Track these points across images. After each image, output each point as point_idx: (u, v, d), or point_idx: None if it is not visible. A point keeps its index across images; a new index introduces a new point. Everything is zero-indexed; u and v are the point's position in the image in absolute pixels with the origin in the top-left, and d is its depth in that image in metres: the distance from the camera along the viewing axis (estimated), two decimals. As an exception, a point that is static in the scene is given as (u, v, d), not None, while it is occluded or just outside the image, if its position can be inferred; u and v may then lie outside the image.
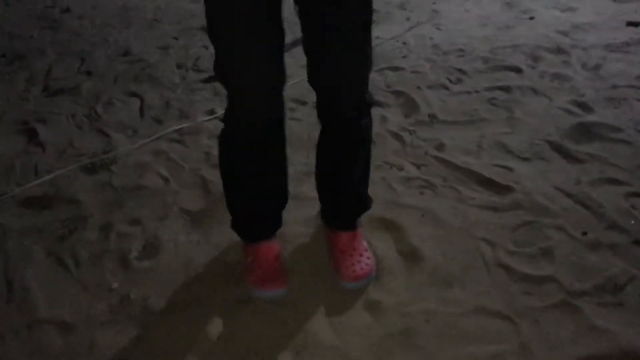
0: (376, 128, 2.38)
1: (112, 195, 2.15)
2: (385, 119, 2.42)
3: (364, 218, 1.92)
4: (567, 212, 1.95)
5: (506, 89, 2.61)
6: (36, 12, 4.21)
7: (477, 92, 2.60)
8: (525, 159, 2.20)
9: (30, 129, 2.58)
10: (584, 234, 1.87)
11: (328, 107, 1.58)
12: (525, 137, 2.31)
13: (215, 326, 1.62)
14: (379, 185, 2.09)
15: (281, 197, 1.75)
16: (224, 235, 1.91)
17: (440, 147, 2.26)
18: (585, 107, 2.48)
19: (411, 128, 2.37)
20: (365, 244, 1.79)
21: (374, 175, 2.13)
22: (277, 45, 1.45)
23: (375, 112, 2.47)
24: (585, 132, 2.33)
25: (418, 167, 2.17)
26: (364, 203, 1.81)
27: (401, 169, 2.17)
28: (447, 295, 1.69)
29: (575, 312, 1.62)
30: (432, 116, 2.44)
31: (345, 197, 1.76)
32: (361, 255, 1.74)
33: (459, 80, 2.70)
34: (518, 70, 2.78)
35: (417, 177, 2.12)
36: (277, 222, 1.79)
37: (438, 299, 1.68)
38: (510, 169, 2.14)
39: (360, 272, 1.70)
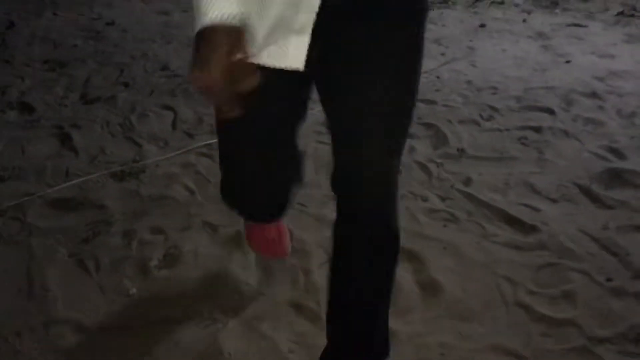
0: (404, 158, 2.39)
1: (138, 203, 2.18)
2: (414, 150, 2.43)
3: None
4: (592, 256, 1.92)
5: (537, 130, 2.60)
6: (81, 24, 4.33)
7: (507, 130, 2.60)
8: (553, 201, 2.17)
9: (65, 133, 2.64)
10: (609, 280, 1.83)
11: (345, 218, 1.25)
12: (554, 178, 2.29)
13: (229, 341, 1.62)
14: (402, 215, 2.07)
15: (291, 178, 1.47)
16: (245, 252, 1.91)
17: (467, 181, 2.25)
18: (617, 153, 2.45)
19: (439, 160, 2.37)
20: None
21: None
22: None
23: (404, 142, 2.50)
24: (616, 177, 2.30)
25: (443, 199, 2.16)
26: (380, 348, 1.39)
27: (426, 200, 2.16)
28: (464, 330, 1.66)
29: (594, 358, 1.58)
30: (461, 150, 2.43)
31: (358, 327, 1.34)
32: None
33: (491, 117, 2.69)
34: (551, 111, 2.76)
35: (441, 210, 2.11)
36: (283, 209, 1.52)
37: (455, 333, 1.65)
38: (536, 209, 2.12)
39: None
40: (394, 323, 1.65)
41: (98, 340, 1.65)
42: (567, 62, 3.44)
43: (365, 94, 1.13)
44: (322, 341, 1.42)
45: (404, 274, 1.84)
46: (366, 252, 1.26)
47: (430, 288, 1.79)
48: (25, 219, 2.10)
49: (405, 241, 1.93)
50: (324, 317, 1.42)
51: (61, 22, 4.37)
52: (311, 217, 2.09)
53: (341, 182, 1.22)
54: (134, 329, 1.67)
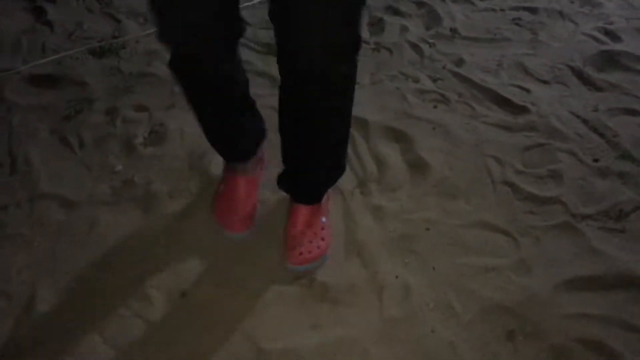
0: (395, 37, 2.32)
1: (119, 80, 2.10)
2: (405, 29, 2.34)
3: (373, 128, 1.90)
4: (580, 137, 1.91)
5: (533, 11, 2.51)
6: None
7: (502, 10, 2.50)
8: (545, 82, 2.13)
9: (38, 7, 2.49)
10: (595, 160, 1.84)
11: (291, 56, 1.20)
12: (546, 60, 2.24)
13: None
14: (392, 95, 2.04)
15: (254, 134, 1.55)
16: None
17: (459, 62, 2.20)
18: (612, 35, 2.39)
19: (431, 40, 2.30)
20: (324, 220, 1.55)
21: (388, 85, 2.09)
22: None
23: (395, 21, 2.41)
24: (609, 60, 2.25)
25: (434, 80, 2.12)
26: (334, 175, 1.53)
27: (417, 80, 2.11)
28: (450, 206, 1.68)
29: (576, 234, 1.62)
30: (454, 30, 2.35)
31: (310, 169, 1.47)
32: (315, 234, 1.51)
33: (485, -3, 2.59)
34: (547, -8, 2.66)
35: (432, 91, 2.07)
36: (249, 148, 1.56)
37: (440, 209, 1.67)
38: (527, 91, 2.08)
39: (308, 255, 1.48)
40: (381, 199, 1.68)
41: (85, 214, 1.64)
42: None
43: None
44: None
45: (392, 153, 1.83)
46: (313, 88, 1.23)
47: (417, 166, 1.79)
48: (3, 95, 2.03)
49: (394, 121, 1.94)
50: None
51: None
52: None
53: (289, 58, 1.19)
54: (122, 203, 1.67)
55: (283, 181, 1.55)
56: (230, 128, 1.47)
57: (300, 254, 1.48)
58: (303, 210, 1.52)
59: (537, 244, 1.60)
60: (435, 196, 1.71)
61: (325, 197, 1.58)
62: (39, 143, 1.86)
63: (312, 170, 1.48)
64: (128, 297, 1.45)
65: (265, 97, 1.77)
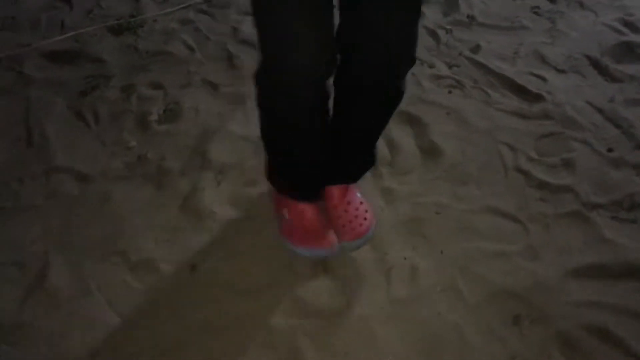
0: (411, 23, 2.31)
1: (136, 58, 2.12)
2: (422, 15, 2.32)
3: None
4: (595, 127, 1.90)
5: (552, 0, 2.49)
6: None
7: (521, -1, 2.49)
8: (561, 71, 2.12)
9: (59, -15, 2.51)
10: (610, 150, 1.83)
11: (361, 71, 1.25)
12: (564, 49, 2.22)
13: (227, 191, 1.64)
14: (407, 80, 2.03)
15: (324, 170, 1.51)
16: (246, 111, 1.89)
17: (476, 49, 2.19)
18: (632, 26, 2.36)
19: (448, 27, 2.28)
20: (359, 194, 1.58)
21: (403, 69, 2.08)
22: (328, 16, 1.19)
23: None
24: (627, 51, 2.23)
25: (450, 66, 2.11)
26: (372, 161, 1.56)
27: (432, 66, 2.10)
28: (461, 191, 1.68)
29: (587, 222, 1.61)
30: (472, 17, 2.34)
31: (356, 156, 1.52)
32: (357, 209, 1.54)
33: (505, -15, 2.57)
34: (567, -19, 2.63)
35: (447, 76, 2.06)
36: (320, 183, 1.55)
37: (451, 194, 1.67)
38: (544, 79, 2.07)
39: (360, 229, 1.51)
40: (392, 182, 1.69)
41: (98, 188, 1.66)
42: None
43: None
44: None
45: (405, 137, 1.83)
46: (374, 101, 1.34)
47: (430, 151, 1.79)
48: (22, 69, 2.05)
49: (408, 106, 1.94)
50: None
51: None
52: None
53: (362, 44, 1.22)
54: (135, 178, 1.69)
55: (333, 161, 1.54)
56: (317, 167, 1.46)
57: (352, 229, 1.51)
58: (337, 190, 1.54)
59: (546, 231, 1.59)
60: (447, 181, 1.71)
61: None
62: (55, 117, 1.88)
63: (350, 161, 1.52)
64: (139, 270, 1.47)
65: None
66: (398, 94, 1.35)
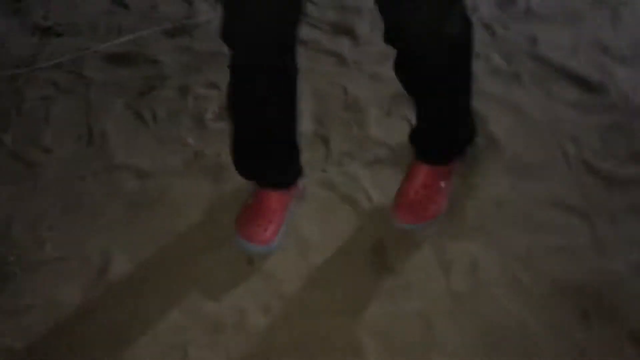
0: (466, 16, 2.26)
1: (191, 59, 2.15)
2: (477, 8, 2.28)
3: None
4: (664, 118, 1.82)
5: (614, -11, 2.40)
6: None
7: (580, -11, 2.40)
8: (626, 61, 2.03)
9: (116, -10, 2.58)
10: (680, 141, 1.74)
11: (396, 36, 1.24)
12: (628, 39, 2.13)
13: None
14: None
15: (291, 142, 1.47)
16: (300, 107, 1.89)
17: (534, 41, 2.12)
18: (701, 14, 2.25)
19: (504, 20, 2.23)
20: (443, 185, 1.53)
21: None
22: None
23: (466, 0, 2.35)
24: (697, 39, 2.12)
25: (507, 59, 2.05)
26: (462, 139, 1.53)
27: (489, 60, 2.05)
28: (523, 184, 1.63)
29: (658, 216, 1.54)
30: (528, 9, 2.27)
31: (439, 129, 1.48)
32: (429, 198, 1.51)
33: (562, -24, 2.49)
34: (630, -30, 2.53)
35: (505, 70, 2.01)
36: (286, 173, 1.52)
37: (513, 187, 1.63)
38: (607, 70, 1.99)
39: (417, 215, 1.49)
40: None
41: (158, 184, 1.69)
42: None
43: None
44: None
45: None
46: (430, 68, 1.30)
47: (488, 144, 1.74)
48: (82, 72, 2.11)
49: (465, 98, 1.88)
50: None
51: None
52: (366, 74, 2.02)
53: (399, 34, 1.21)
54: (192, 174, 1.71)
55: (415, 137, 1.54)
56: (274, 149, 1.46)
57: (410, 212, 1.49)
58: (424, 170, 1.51)
59: (614, 225, 1.53)
60: (508, 174, 1.66)
61: (451, 164, 1.55)
62: (115, 117, 1.92)
63: (441, 131, 1.48)
64: (197, 265, 1.48)
65: (334, 75, 1.78)
66: (454, 38, 1.24)
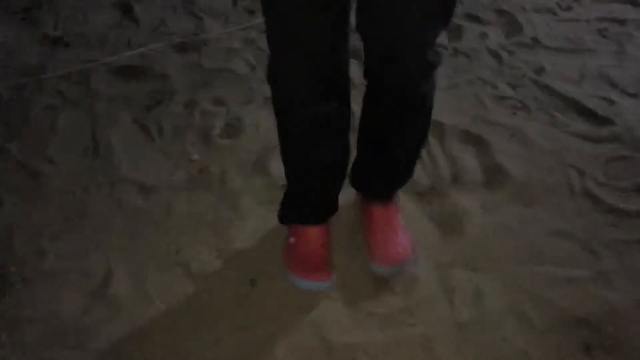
0: (473, 44, 2.29)
1: (199, 75, 2.15)
2: (485, 35, 2.30)
3: (449, 131, 1.87)
4: (668, 152, 1.82)
5: (620, 22, 2.41)
6: None
7: (587, 21, 2.42)
8: (631, 95, 2.04)
9: (126, 4, 2.58)
10: (684, 176, 1.75)
11: (379, 64, 1.22)
12: (633, 72, 2.15)
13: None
14: (469, 100, 2.00)
15: (340, 173, 1.45)
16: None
17: (540, 71, 2.14)
18: None
19: (511, 48, 2.25)
20: (402, 220, 1.52)
21: (466, 90, 2.06)
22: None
23: (474, 27, 2.38)
24: (701, 75, 2.14)
25: (513, 87, 2.06)
26: (406, 176, 1.50)
27: (495, 87, 2.06)
28: (527, 214, 1.63)
29: (662, 250, 1.54)
30: (535, 39, 2.29)
31: (388, 164, 1.45)
32: (397, 236, 1.48)
33: (569, 8, 2.51)
34: (636, 3, 2.56)
35: (511, 97, 2.02)
36: (332, 205, 1.50)
37: (517, 216, 1.62)
38: (612, 102, 2.00)
39: (397, 257, 1.46)
40: (455, 202, 1.65)
41: (162, 199, 1.68)
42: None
43: None
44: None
45: (468, 157, 1.80)
46: (400, 114, 1.30)
47: (494, 172, 1.74)
48: (90, 84, 2.11)
49: (471, 126, 1.91)
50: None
51: None
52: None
53: (379, 60, 1.20)
54: (197, 190, 1.70)
55: (357, 178, 1.53)
56: (330, 179, 1.44)
57: (388, 255, 1.45)
58: (379, 210, 1.50)
59: (619, 257, 1.52)
60: (512, 202, 1.66)
61: (395, 199, 1.55)
62: (121, 130, 1.92)
63: (389, 166, 1.45)
64: (199, 282, 1.47)
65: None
66: (420, 101, 1.28)
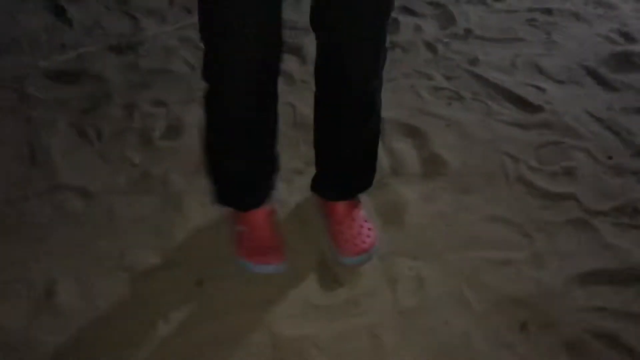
0: (409, 36, 2.35)
1: (137, 76, 2.14)
2: (420, 29, 2.36)
3: (388, 125, 1.91)
4: (594, 135, 1.92)
5: (548, 12, 2.53)
6: None
7: (517, 11, 2.52)
8: (559, 82, 2.15)
9: (59, 6, 2.54)
10: (609, 158, 1.85)
11: (331, 62, 1.32)
12: (561, 60, 2.25)
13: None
14: (406, 93, 2.06)
15: (274, 159, 1.51)
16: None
17: (474, 61, 2.21)
18: (627, 37, 2.40)
19: (446, 40, 2.32)
20: (364, 213, 1.59)
21: (403, 82, 2.11)
22: None
23: (409, 20, 2.44)
24: (624, 61, 2.26)
25: (448, 78, 2.14)
26: (365, 180, 1.58)
27: (431, 78, 2.13)
28: (464, 201, 1.70)
29: (590, 229, 1.63)
30: (468, 31, 2.37)
31: (345, 165, 1.52)
32: (361, 226, 1.55)
33: (500, -1, 2.61)
34: (562, -7, 2.68)
35: (446, 88, 2.09)
36: (270, 186, 1.54)
37: (455, 204, 1.69)
38: (542, 90, 2.10)
39: (363, 245, 1.51)
40: (395, 193, 1.70)
41: (103, 204, 1.67)
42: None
43: None
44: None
45: (407, 148, 1.85)
46: (357, 100, 1.38)
47: (432, 162, 1.80)
48: (24, 89, 2.07)
49: (408, 118, 1.96)
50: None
51: None
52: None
53: (334, 53, 1.29)
54: (139, 194, 1.70)
55: (319, 184, 1.58)
56: (264, 163, 1.49)
57: (354, 244, 1.51)
58: (342, 205, 1.55)
59: (550, 239, 1.60)
60: (450, 191, 1.72)
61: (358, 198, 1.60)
62: (58, 136, 1.89)
63: (349, 167, 1.51)
64: (145, 285, 1.47)
65: (282, 93, 1.79)
66: (371, 98, 1.37)
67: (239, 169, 1.47)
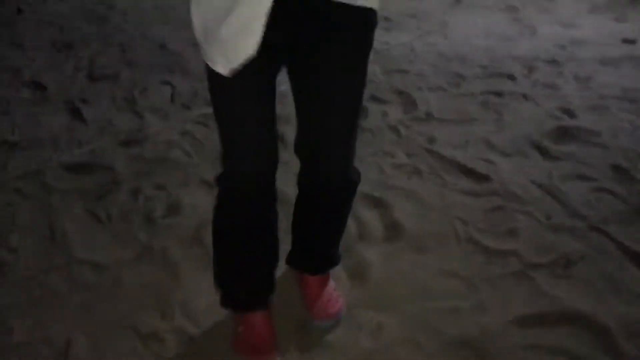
0: (377, 121, 2.70)
1: (142, 165, 2.48)
2: (386, 114, 2.72)
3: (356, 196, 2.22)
4: (536, 200, 2.22)
5: (499, 94, 2.88)
6: (85, 8, 4.59)
7: (472, 95, 2.88)
8: (507, 155, 2.47)
9: (75, 108, 2.93)
10: (548, 218, 2.13)
11: (311, 178, 1.59)
12: (509, 136, 2.59)
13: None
14: (372, 168, 2.39)
15: (275, 258, 1.69)
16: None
17: (432, 140, 2.55)
18: (569, 112, 2.74)
19: (408, 123, 2.66)
20: (333, 283, 1.84)
21: (370, 160, 2.44)
22: (271, 116, 1.48)
23: (377, 107, 2.79)
24: (564, 134, 2.59)
25: (409, 155, 2.46)
26: (334, 258, 1.82)
27: (393, 156, 2.46)
28: (421, 260, 1.97)
29: (529, 280, 1.89)
30: (428, 114, 2.72)
31: (319, 249, 1.78)
32: (331, 295, 1.80)
33: (457, 85, 2.98)
34: (513, 78, 3.05)
35: (406, 164, 2.41)
36: (270, 287, 1.71)
37: (412, 262, 1.96)
38: (491, 162, 2.42)
39: (332, 310, 1.77)
40: (361, 255, 1.99)
41: (112, 275, 1.96)
42: (533, 32, 3.71)
43: (333, 84, 1.44)
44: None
45: (371, 217, 2.15)
46: (332, 203, 1.65)
47: (393, 228, 2.10)
48: (45, 180, 2.41)
49: (373, 191, 2.27)
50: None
51: (66, 7, 4.63)
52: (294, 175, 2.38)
53: (310, 150, 1.55)
54: (142, 265, 1.99)
55: (294, 260, 1.83)
56: (266, 266, 1.67)
57: (325, 310, 1.76)
58: (315, 279, 1.80)
59: (494, 289, 1.87)
60: (408, 251, 2.01)
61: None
62: (74, 218, 2.21)
63: (324, 249, 1.78)
64: (148, 341, 1.73)
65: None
66: (346, 200, 1.65)
67: (243, 268, 1.65)
